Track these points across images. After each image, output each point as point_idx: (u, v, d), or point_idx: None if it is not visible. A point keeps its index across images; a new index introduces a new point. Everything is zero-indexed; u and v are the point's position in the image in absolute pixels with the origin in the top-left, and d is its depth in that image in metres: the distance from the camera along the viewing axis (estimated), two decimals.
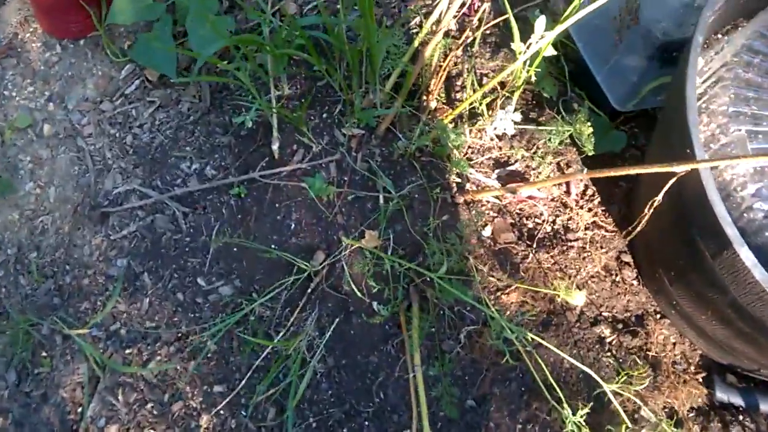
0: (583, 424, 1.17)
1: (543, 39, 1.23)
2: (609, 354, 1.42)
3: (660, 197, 1.03)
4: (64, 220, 1.78)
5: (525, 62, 1.34)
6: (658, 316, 1.45)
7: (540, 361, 1.28)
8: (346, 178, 1.60)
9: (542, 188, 1.50)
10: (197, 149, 1.74)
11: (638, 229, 1.08)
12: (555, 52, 1.29)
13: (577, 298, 1.13)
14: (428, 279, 1.47)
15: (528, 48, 1.27)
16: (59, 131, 1.85)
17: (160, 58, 1.71)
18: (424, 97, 1.58)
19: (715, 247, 0.99)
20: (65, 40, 1.94)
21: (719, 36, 1.32)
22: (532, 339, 1.34)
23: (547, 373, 1.27)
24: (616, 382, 1.18)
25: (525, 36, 1.40)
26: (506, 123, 1.30)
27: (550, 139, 1.40)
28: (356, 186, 1.59)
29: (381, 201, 1.55)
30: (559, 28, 1.19)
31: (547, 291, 1.37)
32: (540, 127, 1.51)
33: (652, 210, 1.07)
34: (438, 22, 1.45)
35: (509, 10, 1.38)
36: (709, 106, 1.23)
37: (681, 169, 0.98)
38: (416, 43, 1.49)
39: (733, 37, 1.26)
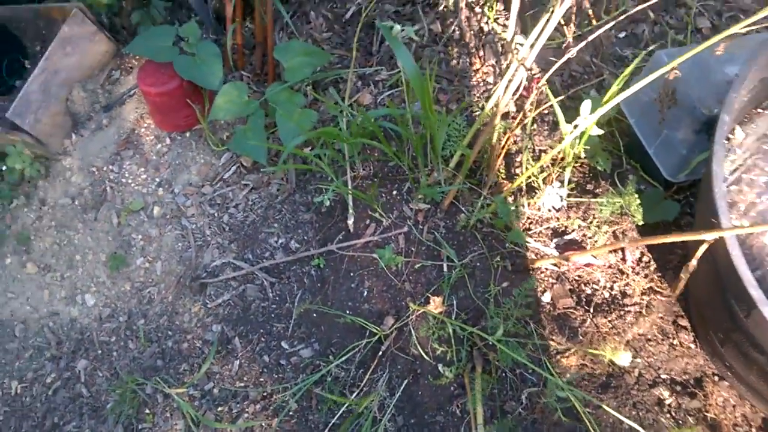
0: None
1: (588, 120, 1.35)
2: (668, 415, 1.45)
3: (694, 262, 1.11)
4: (169, 290, 2.01)
5: (575, 140, 1.46)
6: (717, 378, 1.47)
7: (599, 422, 1.33)
8: (413, 249, 1.75)
9: (599, 256, 1.59)
10: (284, 225, 1.95)
11: (679, 288, 1.15)
12: (601, 131, 1.41)
13: (623, 359, 1.20)
14: (491, 343, 1.57)
15: (575, 128, 1.39)
16: (167, 212, 2.11)
17: (253, 148, 1.95)
18: (485, 174, 1.72)
19: (746, 307, 1.06)
20: (174, 133, 2.24)
21: (759, 110, 1.40)
22: (591, 401, 1.41)
23: None
24: None
25: (578, 115, 1.54)
26: (554, 198, 1.41)
27: (601, 210, 1.49)
28: (422, 255, 1.73)
29: (445, 269, 1.68)
30: (601, 111, 1.31)
31: (596, 352, 1.44)
32: (594, 199, 1.61)
33: (689, 274, 1.14)
34: (496, 106, 1.60)
35: (552, 99, 1.52)
36: (749, 176, 1.30)
37: (709, 236, 1.07)
38: (476, 126, 1.65)
39: None
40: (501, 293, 1.63)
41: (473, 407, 1.44)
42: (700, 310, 1.40)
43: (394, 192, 1.84)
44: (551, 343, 1.57)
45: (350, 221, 1.81)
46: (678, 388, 1.48)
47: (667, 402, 1.47)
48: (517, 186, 1.62)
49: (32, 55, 2.47)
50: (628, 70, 1.33)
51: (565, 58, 1.42)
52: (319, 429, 1.69)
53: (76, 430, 1.93)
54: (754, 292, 1.00)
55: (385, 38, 2.10)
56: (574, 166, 1.72)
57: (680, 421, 1.44)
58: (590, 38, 1.39)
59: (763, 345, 1.08)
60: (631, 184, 1.45)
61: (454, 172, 1.71)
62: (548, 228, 1.70)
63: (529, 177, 1.65)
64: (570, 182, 1.68)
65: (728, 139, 1.36)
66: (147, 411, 1.88)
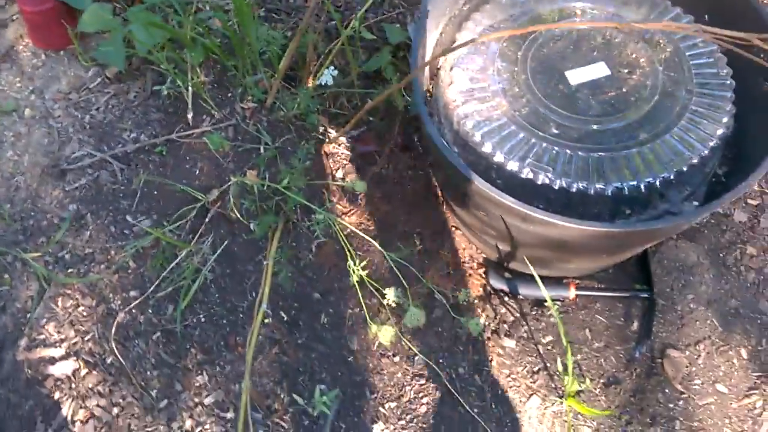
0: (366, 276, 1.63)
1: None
2: (419, 257, 1.89)
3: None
4: (34, 179, 2.30)
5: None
6: (454, 229, 1.92)
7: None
8: (239, 137, 2.13)
9: (371, 145, 2.03)
10: (136, 123, 2.29)
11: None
12: (372, 36, 1.84)
13: (359, 186, 1.63)
14: (294, 208, 1.97)
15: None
16: (36, 114, 2.41)
17: (113, 55, 2.29)
18: (301, 78, 2.13)
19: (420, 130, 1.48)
20: (50, 51, 2.54)
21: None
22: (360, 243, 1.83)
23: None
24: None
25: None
26: (327, 77, 1.83)
27: (374, 98, 1.92)
28: (246, 142, 2.11)
29: (262, 151, 2.07)
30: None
31: (344, 185, 1.83)
32: (373, 90, 2.05)
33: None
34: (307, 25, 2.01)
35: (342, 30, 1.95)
36: (460, 67, 1.73)
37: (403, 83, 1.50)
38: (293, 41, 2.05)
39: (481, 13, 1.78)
40: (304, 169, 2.03)
41: (269, 244, 1.83)
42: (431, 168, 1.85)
43: (229, 94, 2.22)
44: (338, 206, 1.98)
45: (189, 115, 2.17)
46: (427, 237, 1.92)
47: (420, 246, 1.91)
48: (313, 84, 2.03)
49: None
50: None
51: None
52: (152, 281, 2.03)
53: None
54: (424, 117, 1.43)
55: None
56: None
57: (425, 259, 1.88)
58: None
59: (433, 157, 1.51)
60: (395, 80, 1.88)
61: (277, 78, 2.10)
62: (347, 121, 2.12)
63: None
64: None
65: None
66: (6, 276, 2.16)
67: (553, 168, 1.44)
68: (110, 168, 2.23)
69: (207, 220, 2.06)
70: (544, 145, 1.48)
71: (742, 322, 1.78)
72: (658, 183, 1.44)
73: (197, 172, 2.12)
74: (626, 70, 1.58)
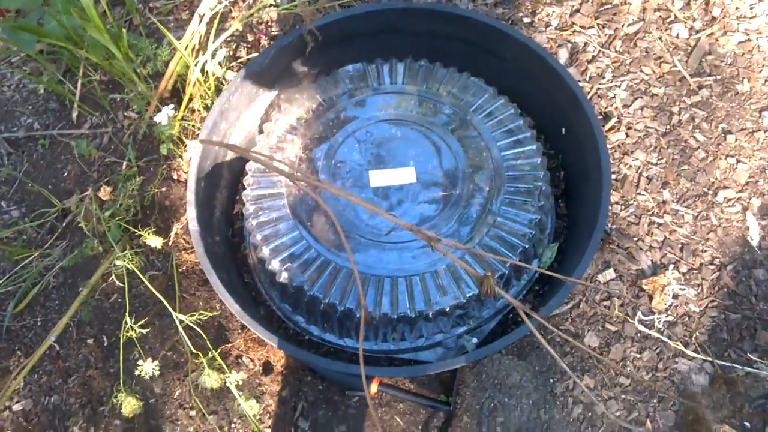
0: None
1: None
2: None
3: None
4: None
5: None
6: None
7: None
8: (112, 147, 2.08)
9: None
10: (35, 109, 2.28)
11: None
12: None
13: (152, 241, 1.57)
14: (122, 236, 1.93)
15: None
16: None
17: (24, 38, 2.26)
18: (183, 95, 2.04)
19: None
20: None
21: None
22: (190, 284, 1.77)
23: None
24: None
25: None
26: (163, 116, 1.74)
27: None
28: (114, 154, 2.06)
29: (124, 167, 2.02)
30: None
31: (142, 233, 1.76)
32: None
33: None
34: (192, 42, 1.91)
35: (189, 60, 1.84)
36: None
37: None
38: (177, 56, 1.96)
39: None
40: (158, 195, 1.97)
41: (101, 266, 1.79)
42: None
43: (118, 99, 2.16)
44: (182, 240, 1.92)
45: (74, 114, 2.14)
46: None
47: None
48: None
49: None
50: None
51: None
52: (4, 274, 2.04)
53: None
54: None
55: None
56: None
57: None
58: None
59: None
60: None
61: (152, 96, 2.03)
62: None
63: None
64: None
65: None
66: None
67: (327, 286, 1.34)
68: (1, 150, 2.24)
69: (65, 224, 2.05)
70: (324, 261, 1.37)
71: None
72: (425, 313, 1.31)
73: (65, 174, 2.10)
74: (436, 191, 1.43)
